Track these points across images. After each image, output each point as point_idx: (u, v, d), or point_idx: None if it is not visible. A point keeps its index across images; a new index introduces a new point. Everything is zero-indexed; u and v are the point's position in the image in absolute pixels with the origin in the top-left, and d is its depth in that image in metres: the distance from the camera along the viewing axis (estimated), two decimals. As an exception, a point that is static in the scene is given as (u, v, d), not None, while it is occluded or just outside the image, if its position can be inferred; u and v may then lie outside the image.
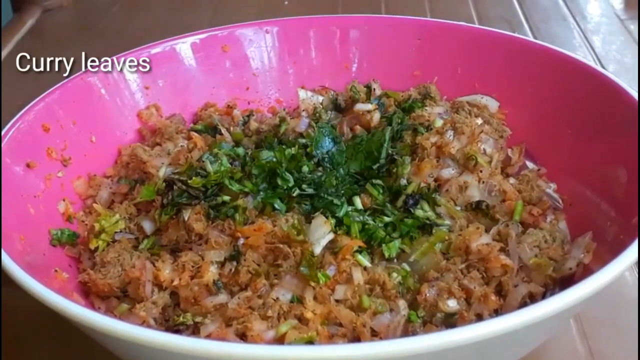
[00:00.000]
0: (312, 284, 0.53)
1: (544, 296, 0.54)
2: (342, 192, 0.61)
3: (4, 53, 1.16)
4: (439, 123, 0.66)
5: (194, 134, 0.71)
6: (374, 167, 0.64)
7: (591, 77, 0.67)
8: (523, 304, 0.52)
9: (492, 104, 0.75)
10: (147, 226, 0.62)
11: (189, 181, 0.61)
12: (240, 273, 0.55)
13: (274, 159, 0.63)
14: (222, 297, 0.54)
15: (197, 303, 0.54)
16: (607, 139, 0.63)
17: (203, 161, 0.64)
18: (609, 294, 0.42)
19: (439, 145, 0.64)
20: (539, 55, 0.73)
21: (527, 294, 0.53)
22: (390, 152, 0.65)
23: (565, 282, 0.54)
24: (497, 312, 0.53)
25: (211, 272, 0.55)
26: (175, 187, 0.61)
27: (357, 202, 0.61)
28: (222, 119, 0.76)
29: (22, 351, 0.59)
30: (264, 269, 0.55)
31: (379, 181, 0.63)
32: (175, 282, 0.55)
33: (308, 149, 0.67)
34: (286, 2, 1.33)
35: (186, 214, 0.59)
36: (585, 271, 0.54)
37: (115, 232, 0.61)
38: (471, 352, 0.40)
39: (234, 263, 0.55)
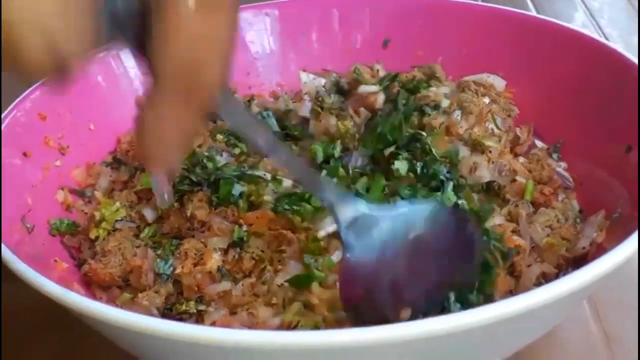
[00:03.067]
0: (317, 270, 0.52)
1: (557, 277, 0.53)
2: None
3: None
4: (445, 103, 0.65)
5: None
6: (392, 149, 0.62)
7: (600, 52, 0.65)
8: (537, 285, 0.51)
9: (499, 83, 0.74)
10: (149, 214, 0.61)
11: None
12: (243, 260, 0.54)
13: None
14: (226, 284, 0.53)
15: (201, 291, 0.53)
16: (616, 117, 0.62)
17: (207, 155, 0.63)
18: (621, 274, 0.41)
19: (447, 126, 0.63)
20: (546, 31, 0.72)
21: (540, 274, 0.52)
22: (408, 132, 0.63)
23: (578, 262, 0.53)
24: (511, 293, 0.52)
25: (214, 259, 0.54)
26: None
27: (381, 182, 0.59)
28: None
29: (22, 345, 0.58)
30: (267, 255, 0.54)
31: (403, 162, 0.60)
32: (178, 270, 0.54)
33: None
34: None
35: (188, 202, 0.58)
36: (599, 250, 0.53)
37: (116, 221, 0.61)
38: (485, 334, 0.39)
39: (238, 250, 0.55)
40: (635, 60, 0.60)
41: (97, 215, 0.61)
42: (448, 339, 0.37)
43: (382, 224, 0.49)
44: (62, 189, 0.64)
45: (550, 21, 0.73)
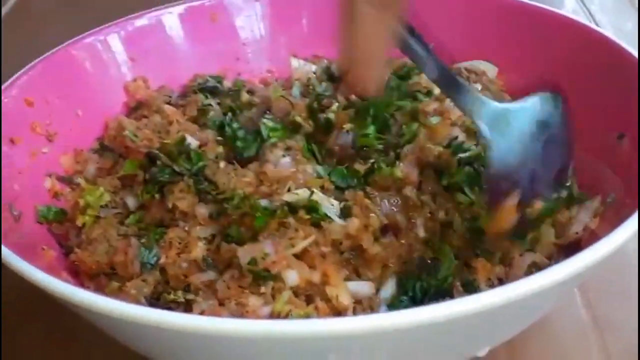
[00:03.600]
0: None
1: (548, 265, 0.53)
2: None
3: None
4: (437, 90, 0.65)
5: (169, 108, 0.69)
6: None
7: (591, 39, 0.65)
8: (529, 273, 0.51)
9: (491, 69, 0.73)
10: (130, 202, 0.60)
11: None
12: (221, 249, 0.53)
13: None
14: (211, 274, 0.52)
15: (187, 280, 0.53)
16: (608, 104, 0.61)
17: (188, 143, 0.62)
18: (612, 261, 0.41)
19: (440, 112, 0.63)
20: (537, 18, 0.71)
21: (532, 263, 0.52)
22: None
23: (571, 251, 0.53)
24: (501, 282, 0.52)
25: (199, 248, 0.53)
26: (158, 162, 0.59)
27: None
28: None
29: (10, 332, 0.58)
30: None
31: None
32: (162, 260, 0.53)
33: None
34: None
35: (169, 193, 0.57)
36: (591, 237, 0.52)
37: (101, 207, 0.60)
38: (474, 324, 0.39)
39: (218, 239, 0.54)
40: (627, 47, 0.60)
41: (82, 202, 0.60)
42: (435, 329, 0.36)
43: (516, 118, 0.52)
44: (50, 176, 0.63)
45: (541, 7, 0.72)
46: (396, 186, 0.56)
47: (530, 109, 0.54)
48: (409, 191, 0.55)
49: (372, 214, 0.53)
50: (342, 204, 0.54)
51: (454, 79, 0.53)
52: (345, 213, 0.53)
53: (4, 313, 0.59)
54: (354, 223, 0.52)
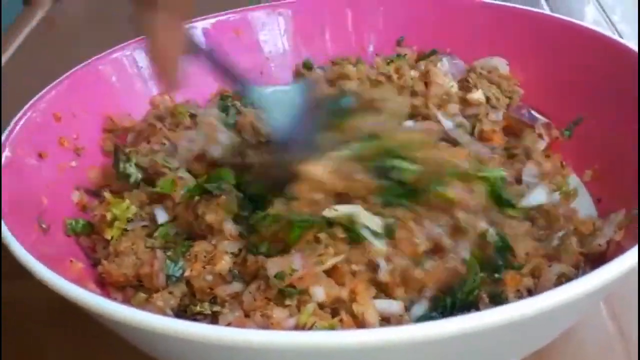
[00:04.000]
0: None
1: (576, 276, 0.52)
2: None
3: (15, 45, 1.15)
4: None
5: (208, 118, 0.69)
6: None
7: (605, 45, 0.66)
8: (558, 284, 0.50)
9: (502, 65, 0.75)
10: (160, 216, 0.60)
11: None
12: (248, 262, 0.53)
13: None
14: (237, 286, 0.53)
15: (213, 292, 0.53)
16: (632, 110, 0.61)
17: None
18: (637, 272, 0.40)
19: None
20: (555, 27, 0.72)
21: (560, 274, 0.51)
22: None
23: (596, 261, 0.53)
24: (530, 293, 0.51)
25: (225, 262, 0.53)
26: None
27: None
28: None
29: (35, 345, 0.58)
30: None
31: None
32: (187, 274, 0.54)
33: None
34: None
35: (200, 206, 0.57)
36: (618, 248, 0.52)
37: (129, 221, 0.60)
38: (504, 335, 0.39)
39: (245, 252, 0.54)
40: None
41: (109, 215, 0.60)
42: (461, 340, 0.36)
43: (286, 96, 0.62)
44: (78, 190, 0.64)
45: (558, 17, 0.73)
46: (447, 207, 0.53)
47: (294, 90, 0.63)
48: (461, 214, 0.53)
49: (417, 239, 0.51)
50: (387, 221, 0.52)
51: (237, 76, 0.60)
52: (389, 232, 0.52)
53: (30, 324, 0.59)
54: (396, 251, 0.51)
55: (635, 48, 0.62)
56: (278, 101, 0.61)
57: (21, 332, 0.59)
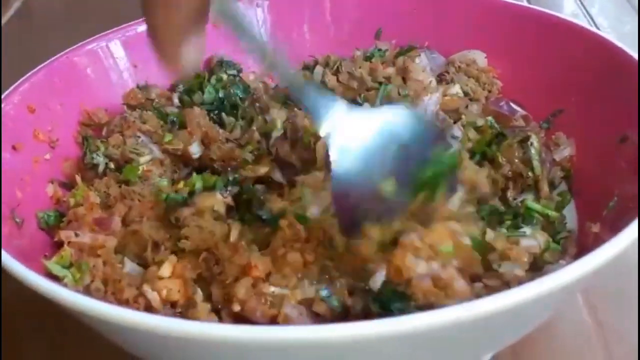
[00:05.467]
0: None
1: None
2: None
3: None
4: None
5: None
6: None
7: (587, 39, 0.66)
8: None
9: (480, 58, 0.76)
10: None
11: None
12: None
13: None
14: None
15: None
16: (610, 107, 0.61)
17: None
18: (614, 264, 0.40)
19: None
20: (533, 19, 0.72)
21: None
22: None
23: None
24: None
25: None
26: None
27: None
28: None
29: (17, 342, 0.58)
30: None
31: None
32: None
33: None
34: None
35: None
36: (596, 240, 0.52)
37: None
38: (477, 329, 0.39)
39: None
40: (625, 49, 0.61)
41: (72, 201, 0.60)
42: (439, 333, 0.36)
43: (366, 133, 0.48)
44: (52, 182, 0.63)
45: (537, 9, 0.74)
46: None
47: (382, 125, 0.49)
48: None
49: None
50: None
51: (301, 80, 0.51)
52: None
53: (7, 319, 0.59)
54: None
55: (614, 40, 0.62)
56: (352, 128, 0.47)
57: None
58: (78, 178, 0.63)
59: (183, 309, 0.50)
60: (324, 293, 0.48)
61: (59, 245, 0.56)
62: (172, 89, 0.76)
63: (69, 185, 0.64)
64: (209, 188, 0.59)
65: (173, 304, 0.50)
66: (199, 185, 0.60)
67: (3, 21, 1.20)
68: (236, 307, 0.48)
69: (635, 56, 0.59)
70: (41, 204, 0.60)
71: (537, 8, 0.74)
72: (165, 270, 0.51)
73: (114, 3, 1.22)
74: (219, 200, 0.56)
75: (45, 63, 0.69)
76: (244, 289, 0.48)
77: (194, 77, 0.74)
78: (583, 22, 1.01)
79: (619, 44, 0.62)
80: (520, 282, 0.47)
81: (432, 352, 0.41)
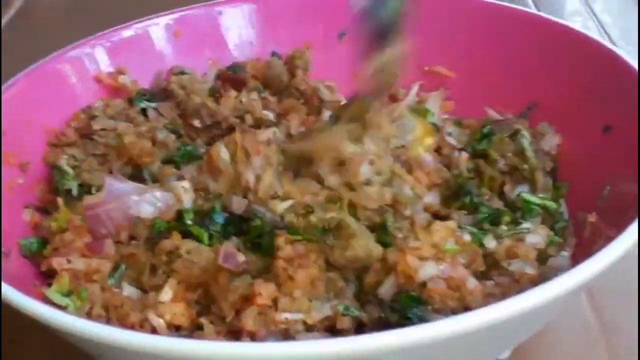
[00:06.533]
0: None
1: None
2: None
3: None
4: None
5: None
6: None
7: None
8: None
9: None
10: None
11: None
12: None
13: None
14: None
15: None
16: (594, 97, 0.71)
17: None
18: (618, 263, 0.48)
19: None
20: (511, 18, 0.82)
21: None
22: None
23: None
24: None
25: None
26: None
27: None
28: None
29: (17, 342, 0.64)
30: None
31: None
32: None
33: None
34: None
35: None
36: (594, 232, 0.61)
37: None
38: (479, 336, 0.45)
39: None
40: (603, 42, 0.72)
41: (54, 225, 0.66)
42: (445, 343, 0.43)
43: None
44: (28, 208, 0.69)
45: (509, 6, 0.84)
46: None
47: None
48: None
49: None
50: None
51: None
52: None
53: (7, 319, 0.65)
54: None
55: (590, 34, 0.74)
56: None
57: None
58: (60, 201, 0.68)
59: (188, 332, 0.57)
60: (341, 308, 0.55)
61: (45, 273, 0.62)
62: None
63: (44, 210, 0.70)
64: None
65: (177, 328, 0.57)
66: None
67: (5, 20, 1.30)
68: (245, 340, 0.54)
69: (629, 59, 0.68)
70: (20, 231, 0.66)
71: (507, 5, 0.84)
72: (166, 295, 0.58)
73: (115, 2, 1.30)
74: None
75: (8, 83, 0.75)
76: (251, 320, 0.54)
77: None
78: (586, 19, 1.11)
79: (591, 35, 0.74)
80: (530, 279, 0.56)
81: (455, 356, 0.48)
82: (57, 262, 0.61)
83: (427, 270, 0.54)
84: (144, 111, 0.81)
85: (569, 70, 0.74)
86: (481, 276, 0.58)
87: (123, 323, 0.57)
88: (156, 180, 0.71)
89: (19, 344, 0.65)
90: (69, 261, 0.61)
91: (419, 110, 0.78)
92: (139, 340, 0.44)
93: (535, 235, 0.62)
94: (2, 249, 0.61)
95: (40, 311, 0.48)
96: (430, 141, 0.73)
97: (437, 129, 0.77)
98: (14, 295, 0.49)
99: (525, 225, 0.64)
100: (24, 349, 0.65)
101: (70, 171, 0.72)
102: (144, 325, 0.56)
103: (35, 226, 0.68)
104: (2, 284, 0.50)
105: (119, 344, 0.44)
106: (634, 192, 0.57)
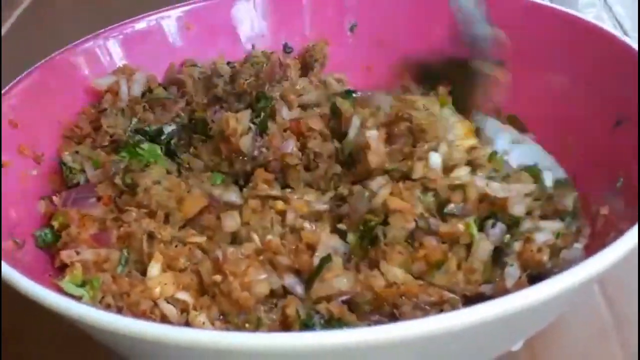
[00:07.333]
0: None
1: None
2: None
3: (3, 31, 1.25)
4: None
5: None
6: None
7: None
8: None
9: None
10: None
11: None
12: None
13: None
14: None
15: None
16: (603, 91, 0.71)
17: None
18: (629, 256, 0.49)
19: None
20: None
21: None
22: None
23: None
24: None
25: None
26: None
27: None
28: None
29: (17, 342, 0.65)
30: None
31: None
32: None
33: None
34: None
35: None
36: (607, 224, 0.61)
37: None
38: (493, 327, 0.46)
39: None
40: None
41: (56, 223, 0.66)
42: (459, 334, 0.44)
43: None
44: (43, 199, 0.69)
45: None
46: None
47: None
48: None
49: None
50: None
51: None
52: None
53: (7, 319, 0.66)
54: None
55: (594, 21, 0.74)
56: None
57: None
58: (56, 199, 0.69)
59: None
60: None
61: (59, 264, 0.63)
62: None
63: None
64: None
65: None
66: None
67: (16, 14, 1.32)
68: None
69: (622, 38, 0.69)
70: (35, 222, 0.67)
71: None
72: (153, 269, 0.60)
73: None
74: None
75: (21, 76, 0.75)
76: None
77: None
78: (600, 10, 1.11)
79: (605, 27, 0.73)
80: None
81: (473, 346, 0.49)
82: (66, 255, 0.62)
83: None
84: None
85: (580, 63, 0.74)
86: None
87: (134, 311, 0.58)
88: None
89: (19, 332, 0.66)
90: (77, 253, 0.62)
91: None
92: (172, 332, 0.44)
93: (547, 234, 0.62)
94: (17, 240, 0.62)
95: (58, 303, 0.48)
96: (471, 142, 0.71)
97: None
98: (29, 287, 0.50)
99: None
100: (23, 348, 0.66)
101: (76, 166, 0.73)
102: (154, 312, 0.58)
103: (50, 217, 0.69)
104: (19, 275, 0.51)
105: (139, 335, 0.44)
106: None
